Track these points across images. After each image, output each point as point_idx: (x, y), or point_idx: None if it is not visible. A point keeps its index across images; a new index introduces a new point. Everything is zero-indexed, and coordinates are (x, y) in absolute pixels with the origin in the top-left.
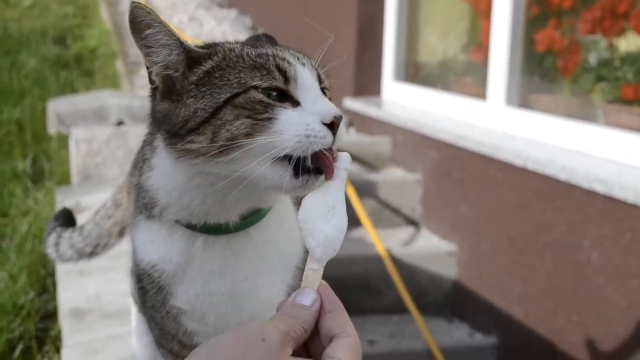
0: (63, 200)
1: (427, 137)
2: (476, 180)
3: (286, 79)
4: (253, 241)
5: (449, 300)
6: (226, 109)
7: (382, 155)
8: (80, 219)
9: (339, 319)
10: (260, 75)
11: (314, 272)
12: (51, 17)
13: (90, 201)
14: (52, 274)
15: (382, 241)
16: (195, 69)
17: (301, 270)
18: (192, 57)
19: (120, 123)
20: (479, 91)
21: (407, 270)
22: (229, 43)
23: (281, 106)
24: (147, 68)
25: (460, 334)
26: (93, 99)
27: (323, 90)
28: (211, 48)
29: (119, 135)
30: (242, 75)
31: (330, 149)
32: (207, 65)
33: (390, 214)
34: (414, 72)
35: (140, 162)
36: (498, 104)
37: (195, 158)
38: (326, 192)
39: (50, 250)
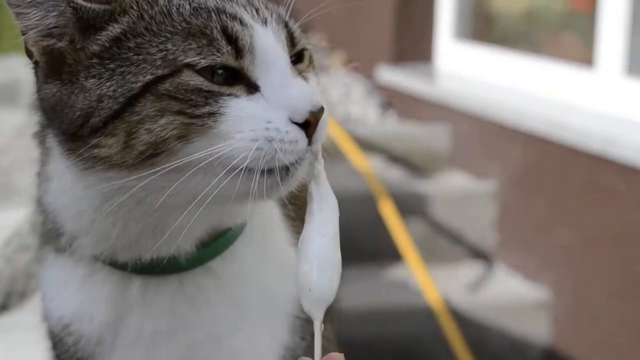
0: None
1: (505, 126)
2: (582, 190)
3: (238, 51)
4: (219, 280)
5: None
6: (145, 99)
7: (436, 154)
8: None
9: None
10: (198, 47)
11: (317, 327)
12: None
13: None
14: None
15: (436, 284)
16: (96, 36)
17: (302, 320)
18: (84, 19)
19: None
20: (584, 55)
21: (473, 329)
22: None
23: (230, 94)
24: (22, 34)
25: None
26: None
27: (300, 54)
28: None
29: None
30: (169, 46)
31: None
32: (115, 29)
33: (448, 242)
34: (484, 27)
35: (37, 168)
36: (613, 74)
37: (108, 169)
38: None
39: None
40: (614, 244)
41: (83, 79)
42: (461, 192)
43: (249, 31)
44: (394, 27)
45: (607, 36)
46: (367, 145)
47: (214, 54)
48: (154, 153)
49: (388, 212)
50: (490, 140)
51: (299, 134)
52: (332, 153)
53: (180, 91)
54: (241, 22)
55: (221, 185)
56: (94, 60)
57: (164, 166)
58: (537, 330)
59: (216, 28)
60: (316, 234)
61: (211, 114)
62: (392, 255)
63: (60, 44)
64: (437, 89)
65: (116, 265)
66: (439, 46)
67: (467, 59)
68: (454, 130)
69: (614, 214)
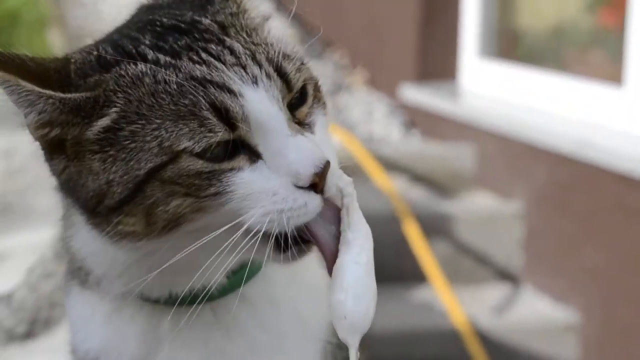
0: None
1: (532, 146)
2: (610, 211)
3: (231, 124)
4: (252, 306)
5: None
6: (152, 184)
7: (461, 174)
8: None
9: None
10: (190, 131)
11: (352, 355)
12: None
13: (12, 247)
14: None
15: (462, 306)
16: (89, 126)
17: (334, 345)
18: (70, 109)
19: None
20: (613, 72)
21: (500, 351)
22: (129, 61)
23: (232, 168)
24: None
25: None
26: None
27: (302, 91)
28: (101, 82)
29: None
30: (162, 132)
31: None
32: (104, 120)
33: (473, 263)
34: (509, 44)
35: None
36: None
37: (137, 241)
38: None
39: None
40: None
41: (88, 160)
42: (486, 212)
43: (239, 101)
44: (418, 44)
45: (637, 53)
46: (390, 165)
47: (206, 136)
48: (177, 224)
49: (412, 232)
50: (516, 159)
51: (307, 196)
52: (355, 173)
53: (182, 177)
54: (230, 91)
55: (242, 243)
56: (94, 147)
57: (186, 229)
58: (565, 352)
59: (204, 106)
60: (350, 262)
61: (218, 194)
62: (416, 276)
63: (55, 132)
64: (461, 108)
65: (145, 298)
66: (463, 64)
67: (492, 77)
68: (479, 150)
69: None
